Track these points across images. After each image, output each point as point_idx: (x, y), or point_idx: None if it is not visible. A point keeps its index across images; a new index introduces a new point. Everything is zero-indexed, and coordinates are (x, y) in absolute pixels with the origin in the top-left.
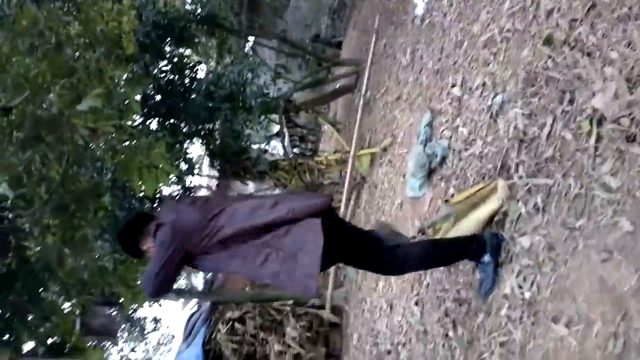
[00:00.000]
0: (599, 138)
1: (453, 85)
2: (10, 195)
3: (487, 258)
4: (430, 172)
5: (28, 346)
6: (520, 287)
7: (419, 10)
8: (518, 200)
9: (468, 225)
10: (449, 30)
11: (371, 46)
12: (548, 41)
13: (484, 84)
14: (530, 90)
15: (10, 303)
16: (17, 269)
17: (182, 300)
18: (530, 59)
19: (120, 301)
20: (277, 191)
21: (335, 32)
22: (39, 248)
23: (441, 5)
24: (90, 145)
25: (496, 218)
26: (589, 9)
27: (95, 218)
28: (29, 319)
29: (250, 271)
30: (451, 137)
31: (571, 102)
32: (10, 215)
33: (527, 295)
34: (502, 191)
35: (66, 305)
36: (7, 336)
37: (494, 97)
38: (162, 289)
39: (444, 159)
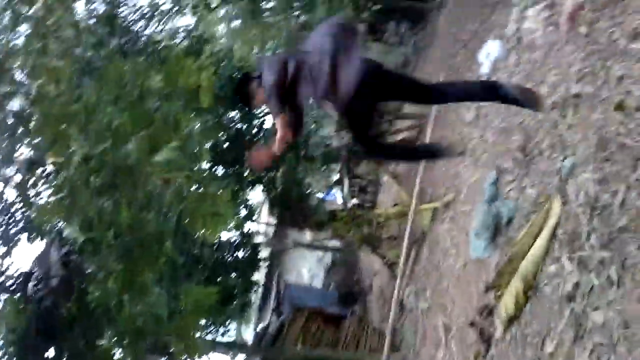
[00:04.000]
0: None
1: (520, 145)
2: (79, 239)
3: None
4: (495, 233)
5: None
6: None
7: (484, 69)
8: (590, 271)
9: (534, 256)
10: None
11: None
12: (620, 107)
13: (552, 146)
14: (601, 155)
15: (67, 349)
16: (77, 314)
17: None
18: (602, 124)
19: (171, 351)
20: (333, 242)
21: None
22: (98, 293)
23: (507, 64)
24: (160, 193)
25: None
26: None
27: (157, 264)
28: None
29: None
30: (518, 198)
31: None
32: (77, 260)
33: None
34: (557, 205)
35: (119, 354)
36: None
37: (564, 159)
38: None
39: (510, 220)
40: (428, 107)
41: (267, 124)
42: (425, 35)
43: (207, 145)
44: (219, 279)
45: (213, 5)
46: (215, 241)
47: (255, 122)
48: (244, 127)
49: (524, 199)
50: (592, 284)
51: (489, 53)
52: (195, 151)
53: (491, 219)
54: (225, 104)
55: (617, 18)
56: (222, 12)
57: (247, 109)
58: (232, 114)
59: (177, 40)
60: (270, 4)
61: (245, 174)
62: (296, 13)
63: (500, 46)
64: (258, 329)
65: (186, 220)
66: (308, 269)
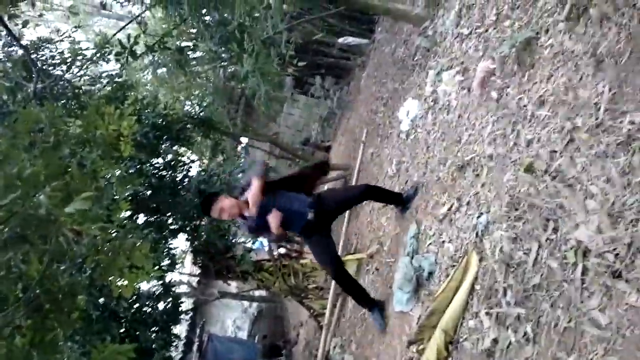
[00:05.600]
0: (585, 270)
1: (437, 201)
2: None
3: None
4: (417, 286)
5: None
6: None
7: (404, 126)
8: (508, 327)
9: (454, 311)
10: (433, 147)
11: (359, 155)
12: (529, 169)
13: (468, 203)
14: (514, 214)
15: None
16: None
17: None
18: (513, 184)
19: None
20: (259, 292)
21: (325, 137)
22: (4, 351)
23: (425, 123)
24: (72, 246)
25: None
26: (567, 143)
27: (69, 319)
28: None
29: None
30: (437, 252)
31: (555, 230)
32: None
33: None
34: (474, 261)
35: None
36: None
37: (479, 216)
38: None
39: (431, 273)
40: (353, 162)
41: (192, 172)
42: (350, 90)
43: (128, 194)
44: (137, 333)
45: (138, 53)
46: (134, 293)
47: (179, 169)
48: (168, 174)
49: (443, 253)
50: (509, 340)
51: (408, 111)
52: (113, 199)
53: (413, 272)
54: (148, 151)
55: (525, 85)
56: (147, 59)
57: (208, 215)
58: (156, 161)
59: (99, 86)
60: (197, 54)
61: (169, 221)
62: (224, 64)
63: (418, 106)
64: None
65: (101, 274)
66: (233, 320)
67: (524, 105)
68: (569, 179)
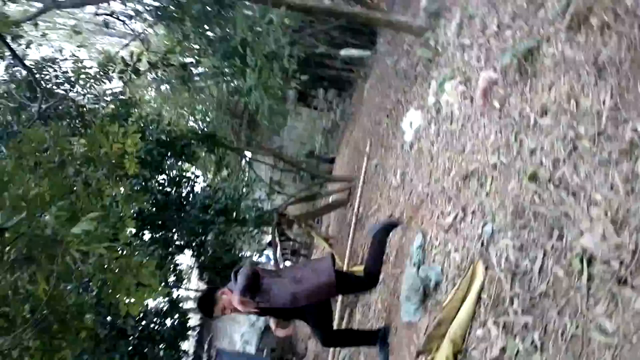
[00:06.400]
0: (590, 277)
1: (443, 211)
2: None
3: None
4: (424, 297)
5: None
6: None
7: (408, 137)
8: (515, 336)
9: (462, 320)
10: (437, 158)
11: (363, 166)
12: (533, 177)
13: (473, 212)
14: (519, 222)
15: None
16: None
17: None
18: (517, 192)
19: None
20: None
21: (329, 150)
22: None
23: (429, 134)
24: (79, 266)
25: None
26: (570, 151)
27: (77, 339)
28: None
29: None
30: (444, 262)
31: (560, 238)
32: None
33: None
34: (481, 270)
35: None
36: None
37: (484, 225)
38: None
39: (438, 283)
40: (358, 173)
41: (197, 188)
42: (352, 102)
43: (133, 211)
44: (145, 351)
45: (141, 70)
46: (141, 310)
47: (185, 185)
48: (173, 190)
49: (450, 263)
50: (517, 348)
51: (411, 122)
52: (119, 218)
53: (419, 282)
54: (152, 168)
55: (527, 94)
56: (150, 76)
57: (208, 316)
58: (160, 177)
59: (103, 104)
60: (200, 69)
61: (175, 237)
62: (227, 79)
63: (421, 116)
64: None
65: (108, 292)
66: (241, 334)
67: (527, 114)
68: (572, 186)
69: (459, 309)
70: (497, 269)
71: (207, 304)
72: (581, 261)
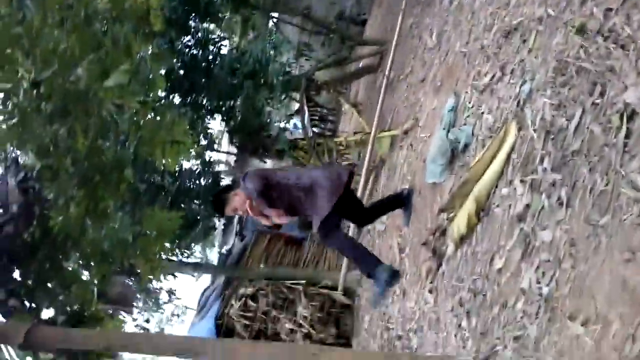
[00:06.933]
0: (629, 134)
1: (480, 71)
2: (37, 166)
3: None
4: (452, 159)
5: (47, 314)
6: (538, 282)
7: None
8: (542, 193)
9: (488, 179)
10: (478, 13)
11: (397, 26)
12: (581, 30)
13: (512, 71)
14: (560, 79)
15: (33, 272)
16: (40, 239)
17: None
18: (562, 48)
19: (138, 272)
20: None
21: (361, 10)
22: (61, 218)
23: None
24: (116, 119)
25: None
26: (624, 0)
27: (118, 191)
28: (50, 287)
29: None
30: (475, 123)
31: (602, 94)
32: (36, 186)
33: (545, 290)
34: (513, 130)
35: (85, 274)
36: (28, 304)
37: (522, 84)
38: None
39: (467, 145)
40: (391, 35)
41: (224, 50)
42: None
43: (162, 72)
44: (182, 205)
45: None
46: (177, 169)
47: (211, 47)
48: (200, 52)
49: (482, 124)
50: (542, 204)
51: None
52: (149, 77)
53: (448, 145)
54: (178, 27)
55: None
56: None
57: (220, 213)
58: (187, 39)
59: None
60: None
61: (204, 102)
62: None
63: None
64: (222, 251)
65: (144, 149)
66: None
67: None
68: (622, 38)
69: (486, 169)
70: (530, 128)
71: (219, 202)
72: (621, 117)
